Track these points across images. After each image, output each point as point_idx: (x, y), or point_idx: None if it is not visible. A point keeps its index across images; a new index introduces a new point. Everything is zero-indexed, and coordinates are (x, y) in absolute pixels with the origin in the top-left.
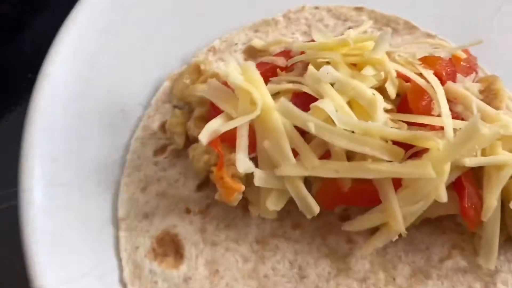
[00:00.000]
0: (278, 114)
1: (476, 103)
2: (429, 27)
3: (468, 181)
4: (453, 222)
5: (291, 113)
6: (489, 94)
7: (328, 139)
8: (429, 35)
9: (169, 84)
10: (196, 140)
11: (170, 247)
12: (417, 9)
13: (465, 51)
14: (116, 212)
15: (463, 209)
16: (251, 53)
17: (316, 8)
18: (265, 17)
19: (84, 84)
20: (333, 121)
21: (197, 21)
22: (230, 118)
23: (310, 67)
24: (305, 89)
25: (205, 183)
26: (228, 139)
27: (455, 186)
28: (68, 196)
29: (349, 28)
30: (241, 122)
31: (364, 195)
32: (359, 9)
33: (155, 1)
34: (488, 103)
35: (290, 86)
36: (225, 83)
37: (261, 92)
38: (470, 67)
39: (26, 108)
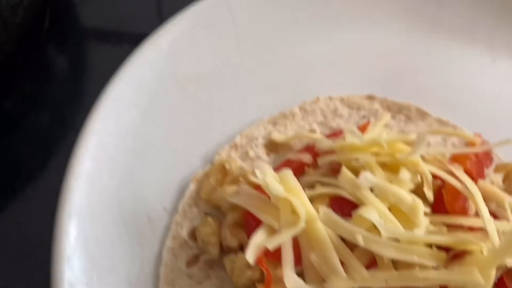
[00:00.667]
0: (322, 225)
1: (508, 201)
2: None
3: (510, 281)
4: None
5: (336, 223)
6: (510, 182)
7: (376, 250)
8: (441, 121)
9: (194, 187)
10: (231, 249)
11: None
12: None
13: (477, 135)
14: None
15: None
16: (271, 147)
17: (330, 99)
18: (281, 109)
19: (108, 194)
20: (377, 229)
21: (217, 117)
22: (272, 230)
23: (344, 170)
24: (343, 193)
25: None
26: (271, 254)
27: (497, 286)
28: None
29: (364, 117)
30: (287, 237)
31: None
32: (371, 98)
33: (170, 99)
34: (511, 193)
35: (327, 190)
36: (256, 187)
37: (302, 201)
38: (488, 156)
39: None
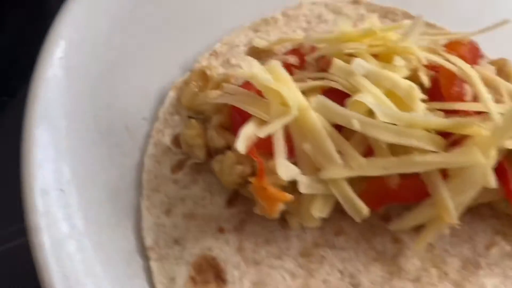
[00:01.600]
0: (315, 113)
1: (505, 85)
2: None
3: (510, 164)
4: (489, 208)
5: (330, 110)
6: (502, 76)
7: (373, 135)
8: (428, 24)
9: (174, 94)
10: (218, 151)
11: (209, 273)
12: None
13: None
14: (142, 241)
15: (508, 192)
16: (254, 54)
17: (314, 3)
18: (262, 16)
19: (81, 102)
20: (373, 115)
21: (194, 25)
22: (262, 122)
23: (336, 61)
24: (334, 84)
25: (235, 198)
26: (262, 146)
27: (496, 171)
28: (83, 231)
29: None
30: (278, 125)
31: (412, 190)
32: (356, 2)
33: (147, 9)
34: None
35: (318, 83)
36: (243, 86)
37: (293, 91)
38: (477, 52)
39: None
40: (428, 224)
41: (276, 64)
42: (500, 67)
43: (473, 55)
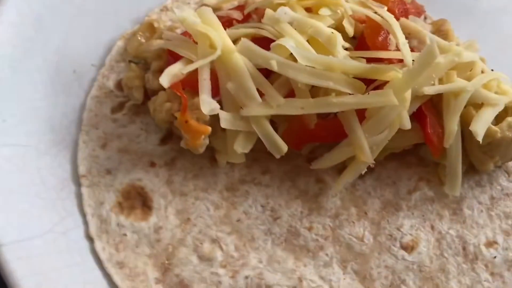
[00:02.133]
0: (239, 55)
1: (429, 36)
2: None
3: (428, 110)
4: (417, 157)
5: (252, 52)
6: (440, 35)
7: (291, 76)
8: None
9: (122, 43)
10: (155, 93)
11: (136, 200)
12: None
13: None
14: (77, 169)
15: (426, 135)
16: None
17: None
18: None
19: (32, 45)
20: (295, 59)
21: None
22: (190, 62)
23: (268, 10)
24: (264, 32)
25: (169, 136)
26: (189, 85)
27: (416, 116)
28: (24, 156)
29: None
30: (202, 63)
31: (330, 130)
32: None
33: None
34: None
35: (248, 30)
36: (183, 35)
37: (220, 34)
38: (418, 12)
39: None
40: (348, 164)
41: (206, 10)
42: (438, 27)
43: (402, 8)
